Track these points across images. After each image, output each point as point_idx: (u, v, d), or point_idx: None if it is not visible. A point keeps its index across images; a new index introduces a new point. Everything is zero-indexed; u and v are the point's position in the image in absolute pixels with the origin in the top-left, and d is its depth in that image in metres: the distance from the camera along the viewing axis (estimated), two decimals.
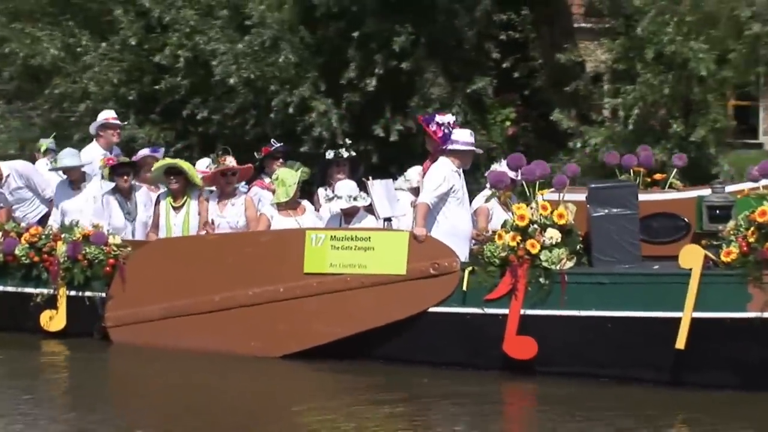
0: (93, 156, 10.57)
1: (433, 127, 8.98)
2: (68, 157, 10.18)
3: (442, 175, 8.47)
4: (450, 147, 8.64)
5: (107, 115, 11.22)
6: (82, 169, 10.15)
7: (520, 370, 8.10)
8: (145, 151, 10.61)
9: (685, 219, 8.65)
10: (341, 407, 7.63)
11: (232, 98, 15.22)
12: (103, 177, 10.24)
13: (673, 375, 7.70)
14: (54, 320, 9.48)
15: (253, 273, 8.75)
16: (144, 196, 10.15)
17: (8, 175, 10.40)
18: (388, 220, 9.28)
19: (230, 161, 9.69)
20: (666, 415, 7.23)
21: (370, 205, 8.93)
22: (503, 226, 8.22)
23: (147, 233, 9.84)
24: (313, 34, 15.39)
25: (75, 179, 10.08)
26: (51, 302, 9.49)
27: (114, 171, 9.95)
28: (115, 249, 9.24)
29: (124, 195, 10.01)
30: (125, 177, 9.92)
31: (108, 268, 9.20)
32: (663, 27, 13.77)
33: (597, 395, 7.75)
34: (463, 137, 8.73)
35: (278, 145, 10.53)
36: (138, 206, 10.06)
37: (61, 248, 9.35)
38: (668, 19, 13.77)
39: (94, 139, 10.95)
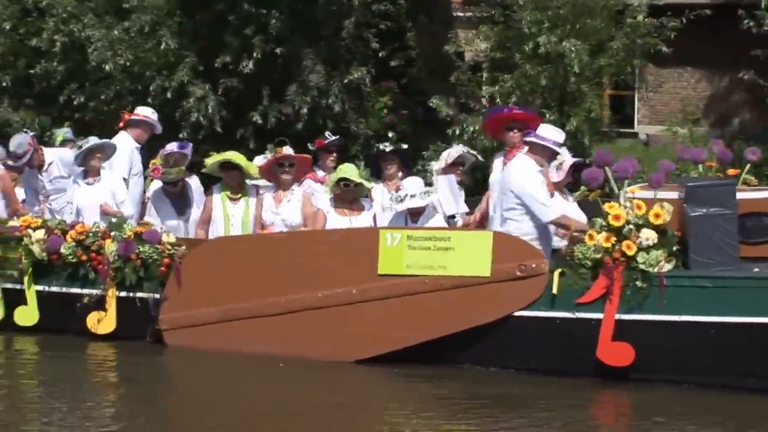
0: (123, 146, 9.98)
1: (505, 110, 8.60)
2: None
3: (536, 177, 8.02)
4: (532, 139, 8.16)
5: (146, 113, 10.60)
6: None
7: (611, 377, 7.69)
8: (172, 146, 9.99)
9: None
10: (420, 415, 7.27)
11: (109, 84, 15.15)
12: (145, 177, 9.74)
13: None
14: (102, 322, 8.94)
15: (323, 274, 8.29)
16: (197, 194, 9.62)
17: (51, 163, 9.82)
18: (452, 217, 8.88)
19: (287, 151, 9.17)
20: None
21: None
22: (593, 225, 7.77)
23: (195, 230, 9.30)
24: (191, 18, 15.42)
25: (93, 169, 9.47)
26: (99, 303, 8.94)
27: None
28: (169, 248, 8.71)
29: (176, 195, 9.48)
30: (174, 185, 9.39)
31: (163, 269, 8.62)
32: (539, 24, 14.10)
33: (694, 402, 7.39)
34: (548, 133, 8.26)
35: (333, 138, 10.03)
36: (192, 203, 9.52)
37: (111, 247, 8.78)
38: (543, 16, 14.14)
39: (125, 129, 10.31)
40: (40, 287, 9.16)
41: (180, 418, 7.35)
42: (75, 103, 15.19)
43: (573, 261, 7.79)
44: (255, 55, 14.72)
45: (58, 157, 9.96)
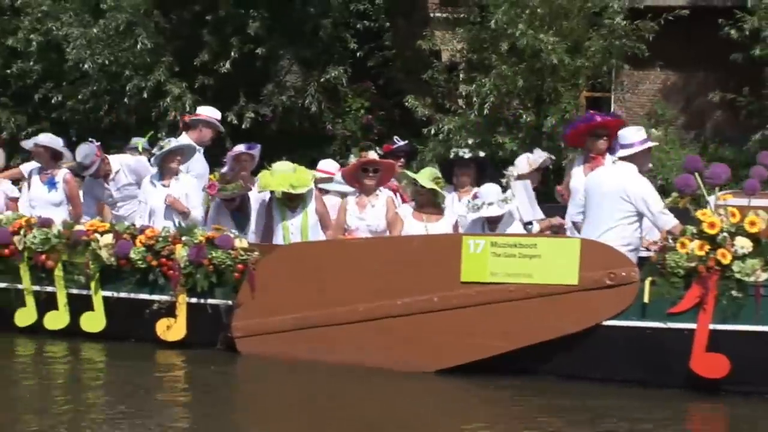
0: None
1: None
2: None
3: (651, 185, 7.87)
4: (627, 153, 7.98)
5: (210, 113, 10.47)
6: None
7: (704, 390, 7.47)
8: (240, 148, 9.81)
9: None
10: (498, 429, 7.13)
11: (86, 83, 15.27)
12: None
13: None
14: (172, 329, 8.75)
15: (403, 281, 8.09)
16: (259, 206, 9.43)
17: (118, 171, 9.69)
18: (528, 223, 8.69)
19: (373, 156, 9.00)
20: None
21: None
22: (684, 233, 7.56)
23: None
24: (168, 17, 15.63)
25: (171, 171, 9.33)
26: (169, 310, 8.72)
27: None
28: (242, 253, 8.51)
29: (234, 209, 9.31)
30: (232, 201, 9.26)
31: (237, 275, 8.43)
32: (515, 20, 14.24)
33: None
34: (637, 137, 8.08)
35: (401, 143, 9.86)
36: (252, 217, 9.34)
37: (182, 252, 8.59)
38: (519, 13, 14.29)
39: (186, 132, 10.15)
40: (107, 293, 8.95)
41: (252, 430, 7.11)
42: (52, 102, 15.30)
43: (664, 269, 7.56)
44: (233, 55, 14.98)
45: (124, 165, 9.81)
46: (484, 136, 15.08)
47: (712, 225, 7.39)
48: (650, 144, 8.17)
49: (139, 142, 11.00)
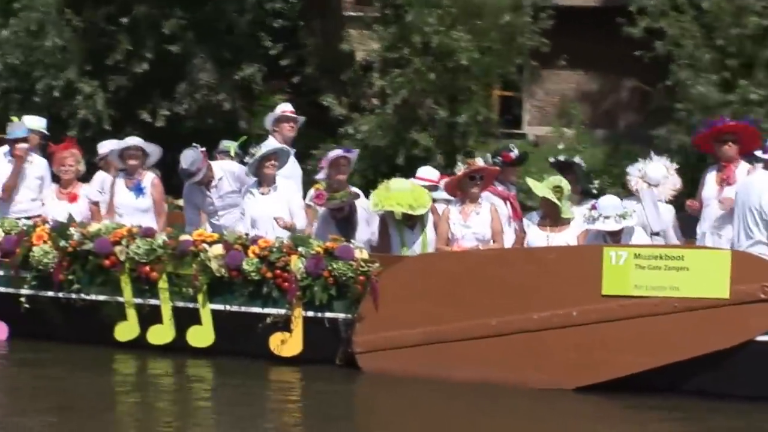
0: None
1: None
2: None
3: None
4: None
5: (283, 108, 10.31)
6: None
7: None
8: (337, 152, 9.48)
9: None
10: None
11: None
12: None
13: None
14: (287, 344, 8.36)
15: (539, 294, 7.78)
16: (365, 212, 9.09)
17: (221, 178, 9.33)
18: (656, 234, 8.38)
19: (480, 162, 8.68)
20: None
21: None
22: None
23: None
24: (80, 16, 15.72)
25: (267, 177, 9.03)
26: (284, 324, 8.33)
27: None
28: (363, 265, 8.14)
29: (342, 219, 8.97)
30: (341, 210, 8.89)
31: (359, 287, 8.07)
32: (428, 17, 14.82)
33: None
34: None
35: (518, 153, 9.56)
36: (359, 223, 8.98)
37: (298, 263, 8.22)
38: (432, 11, 14.87)
39: (270, 135, 9.91)
40: (216, 306, 8.54)
41: None
42: None
43: None
44: (147, 55, 15.25)
45: (228, 171, 9.46)
46: (399, 133, 15.46)
47: None
48: None
49: (231, 146, 10.69)
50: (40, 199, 9.72)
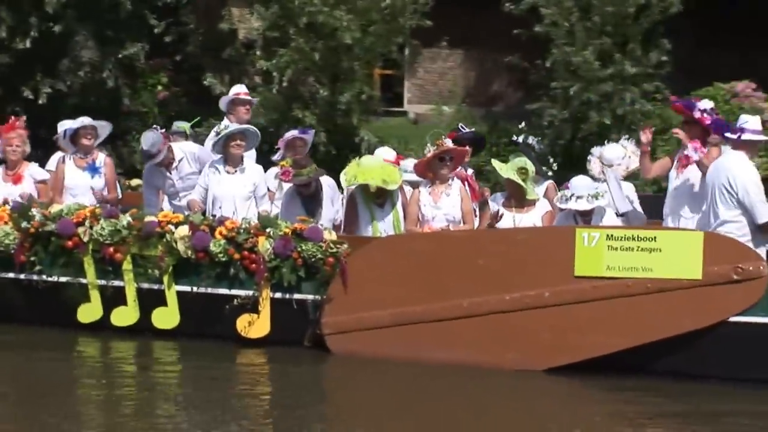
0: None
1: (697, 114, 8.05)
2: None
3: (756, 176, 7.56)
4: (745, 137, 7.69)
5: (237, 90, 10.35)
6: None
7: None
8: (293, 133, 9.45)
9: None
10: None
11: None
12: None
13: None
14: (254, 326, 8.28)
15: (511, 276, 7.73)
16: (330, 190, 8.99)
17: (181, 159, 9.20)
18: (622, 215, 8.37)
19: (449, 144, 8.61)
20: None
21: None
22: None
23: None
24: None
25: (234, 157, 8.97)
26: (251, 306, 8.22)
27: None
28: (332, 246, 8.03)
29: (308, 195, 8.84)
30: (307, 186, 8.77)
31: (328, 268, 7.96)
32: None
33: None
34: (756, 125, 7.79)
35: (465, 131, 9.62)
36: (324, 203, 8.86)
37: (266, 245, 8.11)
38: None
39: (225, 116, 9.97)
40: (181, 287, 8.41)
41: None
42: None
43: None
44: (32, 34, 15.36)
45: (188, 152, 9.35)
46: (283, 112, 15.97)
47: None
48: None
49: (185, 125, 10.56)
50: None
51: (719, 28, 17.82)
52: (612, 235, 7.61)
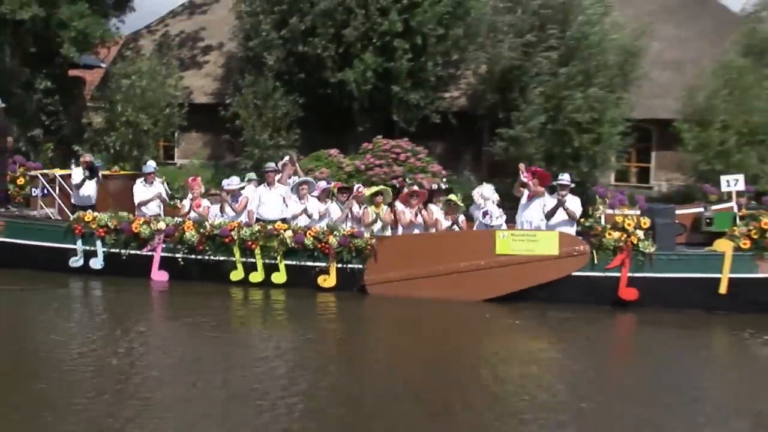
0: None
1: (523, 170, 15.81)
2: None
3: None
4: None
5: (286, 159, 17.94)
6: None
7: (624, 305, 14.65)
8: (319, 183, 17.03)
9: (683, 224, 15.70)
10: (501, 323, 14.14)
11: None
12: (334, 195, 16.62)
13: (720, 307, 14.44)
14: (327, 281, 15.59)
15: (464, 254, 15.08)
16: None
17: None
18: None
19: (415, 187, 16.25)
20: None
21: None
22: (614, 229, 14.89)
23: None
24: None
25: (303, 196, 16.42)
26: (325, 271, 15.60)
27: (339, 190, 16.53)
28: (369, 240, 15.49)
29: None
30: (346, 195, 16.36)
31: (367, 250, 15.41)
32: None
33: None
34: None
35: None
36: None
37: (333, 240, 15.52)
38: None
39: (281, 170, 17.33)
40: (288, 262, 15.79)
41: (375, 339, 13.82)
42: None
43: (601, 246, 14.80)
44: None
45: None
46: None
47: (629, 225, 14.71)
48: None
49: (252, 175, 17.98)
50: None
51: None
52: (514, 234, 15.12)
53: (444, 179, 18.48)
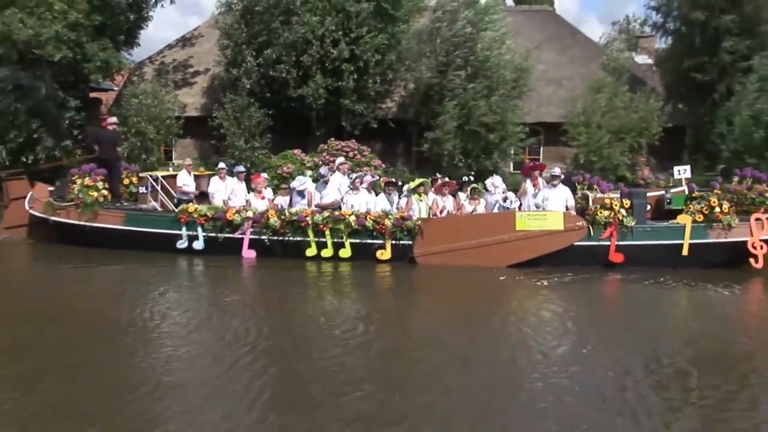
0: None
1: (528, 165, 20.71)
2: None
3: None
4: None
5: (340, 160, 22.74)
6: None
7: (613, 266, 19.49)
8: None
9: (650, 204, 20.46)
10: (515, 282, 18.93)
11: None
12: (380, 187, 21.22)
13: (683, 265, 19.31)
14: (383, 254, 19.99)
15: (491, 231, 19.63)
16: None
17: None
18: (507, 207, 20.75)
19: (447, 179, 21.02)
20: None
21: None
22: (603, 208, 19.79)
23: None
24: None
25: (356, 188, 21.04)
26: (382, 246, 20.10)
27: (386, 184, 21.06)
28: (417, 222, 20.11)
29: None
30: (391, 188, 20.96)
31: (416, 229, 20.02)
32: None
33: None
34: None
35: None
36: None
37: (388, 222, 20.07)
38: None
39: (336, 170, 21.98)
40: (353, 240, 20.18)
41: (427, 297, 18.53)
42: None
43: (595, 221, 19.62)
44: None
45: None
46: None
47: (615, 205, 19.58)
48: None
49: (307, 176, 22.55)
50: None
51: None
52: (529, 214, 19.85)
53: (390, 172, 23.77)
